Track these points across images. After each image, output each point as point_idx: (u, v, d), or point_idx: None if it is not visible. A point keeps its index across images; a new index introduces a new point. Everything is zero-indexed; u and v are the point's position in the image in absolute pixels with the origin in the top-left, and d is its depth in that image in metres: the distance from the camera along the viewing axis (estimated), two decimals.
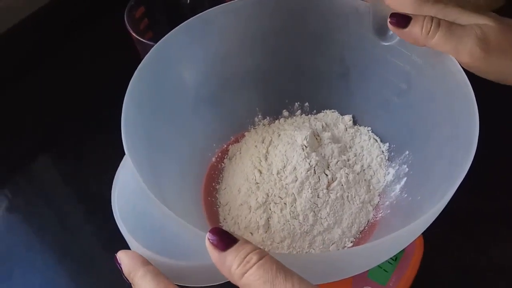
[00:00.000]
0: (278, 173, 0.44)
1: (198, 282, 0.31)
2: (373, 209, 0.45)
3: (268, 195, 0.43)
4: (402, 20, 0.37)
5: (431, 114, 0.42)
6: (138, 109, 0.38)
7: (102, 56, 0.63)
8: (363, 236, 0.43)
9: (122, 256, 0.30)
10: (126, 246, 0.33)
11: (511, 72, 0.37)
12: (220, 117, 0.49)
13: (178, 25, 0.42)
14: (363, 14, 0.43)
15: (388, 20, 0.38)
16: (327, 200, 0.43)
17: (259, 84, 0.49)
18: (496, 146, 0.47)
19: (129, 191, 0.34)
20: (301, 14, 0.45)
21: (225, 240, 0.27)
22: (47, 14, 0.62)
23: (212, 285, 0.32)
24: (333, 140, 0.47)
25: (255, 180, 0.45)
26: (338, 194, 0.43)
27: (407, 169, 0.45)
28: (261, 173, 0.45)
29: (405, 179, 0.44)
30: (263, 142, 0.48)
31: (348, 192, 0.44)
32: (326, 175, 0.44)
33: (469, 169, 0.32)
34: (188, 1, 0.56)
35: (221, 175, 0.48)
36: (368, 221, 0.44)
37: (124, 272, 0.30)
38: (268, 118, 0.51)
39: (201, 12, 0.43)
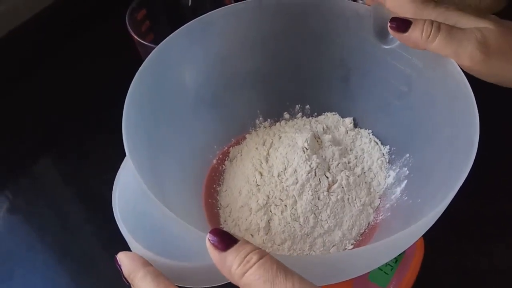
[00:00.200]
0: (279, 175, 0.44)
1: (198, 283, 0.31)
2: (374, 212, 0.45)
3: (268, 197, 0.43)
4: (402, 25, 0.37)
5: (432, 116, 0.42)
6: (139, 111, 0.38)
7: (103, 57, 0.63)
8: (363, 238, 0.43)
9: (122, 258, 0.30)
10: (126, 247, 0.33)
11: None
12: (221, 119, 0.49)
13: (179, 27, 0.42)
14: (364, 17, 0.43)
15: (388, 24, 0.38)
16: (328, 203, 0.43)
17: (260, 86, 0.49)
18: (496, 149, 0.47)
19: (130, 192, 0.34)
20: (301, 17, 0.45)
21: (226, 240, 0.27)
22: (49, 16, 0.63)
23: (212, 286, 0.32)
24: (334, 142, 0.47)
25: (256, 182, 0.45)
26: (338, 197, 0.43)
27: (407, 171, 0.45)
28: (262, 175, 0.45)
29: (405, 181, 0.44)
30: (264, 144, 0.48)
31: (349, 195, 0.44)
32: (327, 177, 0.44)
33: (469, 172, 0.32)
34: (190, 3, 0.56)
35: (222, 177, 0.48)
36: (369, 224, 0.44)
37: (124, 273, 0.29)
38: (269, 120, 0.51)
39: (202, 14, 0.43)
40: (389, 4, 0.40)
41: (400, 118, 0.46)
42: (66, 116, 0.59)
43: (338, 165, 0.45)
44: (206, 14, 0.43)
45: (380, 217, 0.44)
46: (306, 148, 0.44)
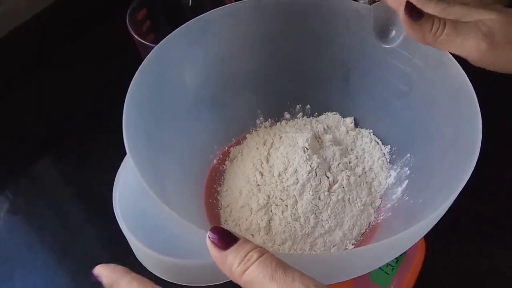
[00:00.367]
0: (279, 175, 0.44)
1: (198, 282, 0.31)
2: (375, 212, 0.44)
3: (269, 197, 0.43)
4: (415, 13, 0.36)
5: (433, 116, 0.42)
6: (139, 110, 0.38)
7: (104, 57, 0.63)
8: (364, 238, 0.43)
9: (100, 270, 0.29)
10: (126, 247, 0.33)
11: None
12: (221, 119, 0.49)
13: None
14: (364, 16, 0.43)
15: (402, 8, 0.36)
16: (328, 203, 0.43)
17: (260, 86, 0.49)
18: (498, 149, 0.47)
19: (130, 191, 0.34)
20: (301, 16, 0.45)
21: (226, 239, 0.27)
22: (49, 16, 0.63)
23: (213, 284, 0.32)
24: (335, 142, 0.47)
25: (257, 182, 0.45)
26: (339, 197, 0.43)
27: (408, 171, 0.45)
28: (262, 175, 0.45)
29: (406, 181, 0.44)
30: (264, 144, 0.48)
31: (350, 195, 0.44)
32: (328, 177, 0.44)
33: (471, 172, 0.32)
34: (190, 3, 0.56)
35: (222, 177, 0.48)
36: (370, 224, 0.44)
37: (105, 284, 0.28)
38: (269, 120, 0.51)
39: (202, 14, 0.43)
40: (390, 1, 0.40)
41: (401, 117, 0.46)
42: (66, 116, 0.59)
43: (338, 165, 0.45)
44: (206, 13, 0.43)
45: (381, 217, 0.44)
46: (306, 148, 0.44)
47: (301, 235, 0.42)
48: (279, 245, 0.42)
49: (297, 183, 0.43)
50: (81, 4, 0.65)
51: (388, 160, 0.47)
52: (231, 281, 0.28)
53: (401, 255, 0.43)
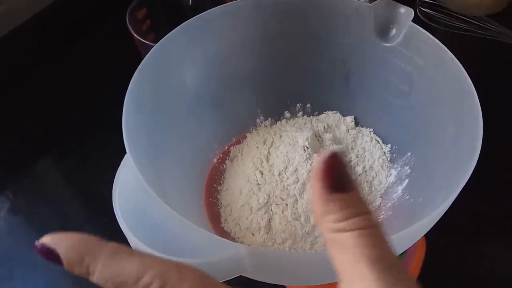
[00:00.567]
0: (279, 174, 0.44)
1: None
2: (375, 211, 0.44)
3: (269, 196, 0.43)
4: None
5: (433, 115, 0.42)
6: (139, 110, 0.38)
7: (104, 57, 0.63)
8: None
9: (55, 240, 0.20)
10: (128, 246, 0.33)
11: None
12: (221, 118, 0.48)
13: None
14: (364, 14, 0.43)
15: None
16: None
17: (260, 85, 0.49)
18: (499, 149, 0.47)
19: (130, 190, 0.34)
20: (301, 15, 0.45)
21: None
22: (49, 16, 0.63)
23: None
24: (335, 141, 0.47)
25: (257, 181, 0.45)
26: None
27: (409, 170, 0.44)
28: (262, 174, 0.45)
29: (407, 180, 0.44)
30: (264, 143, 0.48)
31: None
32: None
33: (472, 172, 0.32)
34: (190, 2, 0.56)
35: (222, 176, 0.48)
36: None
37: (67, 260, 0.20)
38: (269, 119, 0.51)
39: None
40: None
41: (401, 116, 0.46)
42: (66, 115, 0.59)
43: None
44: (205, 12, 0.43)
45: (382, 216, 0.44)
46: (306, 147, 0.44)
47: (301, 234, 0.42)
48: (280, 244, 0.42)
49: (298, 182, 0.43)
50: (81, 4, 0.65)
51: (388, 159, 0.47)
52: (231, 280, 0.28)
53: (401, 254, 0.42)
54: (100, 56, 0.64)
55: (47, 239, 0.20)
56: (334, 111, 0.51)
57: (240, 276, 0.31)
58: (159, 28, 0.54)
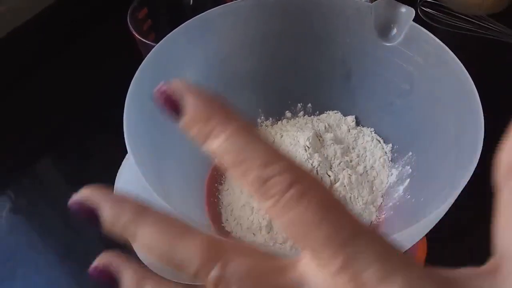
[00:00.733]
0: None
1: (200, 280, 0.31)
2: (376, 210, 0.44)
3: None
4: None
5: (435, 114, 0.42)
6: (140, 110, 0.37)
7: (105, 57, 0.63)
8: None
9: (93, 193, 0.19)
10: (129, 247, 0.33)
11: None
12: None
13: None
14: (365, 14, 0.43)
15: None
16: None
17: (261, 85, 0.49)
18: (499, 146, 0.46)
19: (131, 190, 0.34)
20: (302, 15, 0.45)
21: None
22: (49, 16, 0.63)
23: None
24: (336, 141, 0.47)
25: None
26: (341, 195, 0.43)
27: (410, 170, 0.44)
28: None
29: (408, 180, 0.44)
30: None
31: (351, 193, 0.44)
32: (329, 176, 0.44)
33: (473, 171, 0.32)
34: (191, 2, 0.56)
35: (223, 176, 0.48)
36: (371, 222, 0.44)
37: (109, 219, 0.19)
38: (270, 119, 0.51)
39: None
40: None
41: (403, 116, 0.46)
42: (67, 116, 0.59)
43: (340, 163, 0.45)
44: (205, 12, 0.43)
45: (383, 216, 0.44)
46: (308, 147, 0.44)
47: None
48: (281, 243, 0.42)
49: None
50: (81, 4, 0.65)
51: (389, 159, 0.47)
52: None
53: None
54: (100, 56, 0.63)
55: (82, 195, 0.20)
56: (335, 111, 0.51)
57: None
58: (160, 28, 0.54)
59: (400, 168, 0.46)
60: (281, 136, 0.47)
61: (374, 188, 0.45)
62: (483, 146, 0.33)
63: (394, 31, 0.43)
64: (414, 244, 0.36)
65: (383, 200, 0.45)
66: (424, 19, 0.61)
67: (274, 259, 0.18)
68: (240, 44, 0.46)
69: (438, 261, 0.45)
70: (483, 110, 0.35)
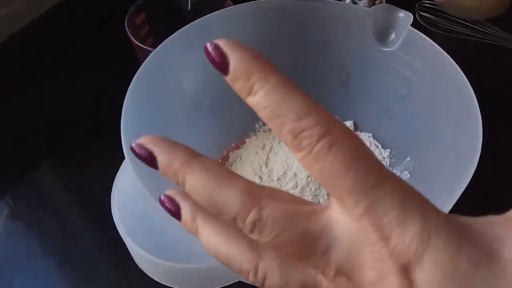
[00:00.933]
0: (278, 179, 0.44)
1: (197, 286, 0.31)
2: None
3: None
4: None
5: (433, 119, 0.42)
6: (137, 115, 0.37)
7: (103, 62, 0.63)
8: None
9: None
10: (126, 252, 0.33)
11: None
12: (219, 123, 0.48)
13: None
14: (363, 19, 0.43)
15: None
16: None
17: None
18: (499, 152, 0.46)
19: (129, 195, 0.34)
20: (300, 20, 0.45)
21: None
22: (48, 21, 0.63)
23: None
24: None
25: None
26: None
27: (408, 175, 0.44)
28: (261, 179, 0.45)
29: None
30: (263, 149, 0.48)
31: None
32: None
33: (471, 176, 0.32)
34: (189, 8, 0.56)
35: None
36: None
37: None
38: None
39: None
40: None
41: (401, 121, 0.46)
42: (66, 122, 0.59)
43: None
44: (203, 17, 0.43)
45: None
46: None
47: None
48: None
49: (297, 187, 0.43)
50: (79, 10, 0.65)
51: (388, 164, 0.47)
52: (230, 285, 0.28)
53: None
54: (99, 62, 0.64)
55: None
56: None
57: (239, 281, 0.31)
58: (158, 34, 0.54)
59: (398, 173, 0.45)
60: (279, 142, 0.47)
61: None
62: (481, 151, 0.33)
63: (392, 36, 0.43)
64: None
65: None
66: (422, 24, 0.61)
67: (306, 204, 0.20)
68: None
69: None
70: (481, 114, 0.35)
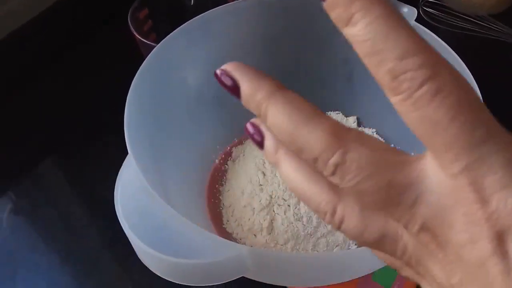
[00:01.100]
0: None
1: (200, 282, 0.31)
2: None
3: (271, 197, 0.43)
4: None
5: None
6: (140, 111, 0.37)
7: (106, 57, 0.63)
8: None
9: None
10: (129, 247, 0.33)
11: None
12: (222, 118, 0.48)
13: None
14: None
15: None
16: None
17: None
18: None
19: (132, 191, 0.34)
20: (303, 15, 0.45)
21: None
22: (50, 17, 0.62)
23: (214, 285, 0.31)
24: None
25: (259, 182, 0.45)
26: None
27: None
28: (264, 175, 0.45)
29: None
30: None
31: None
32: None
33: None
34: (192, 2, 0.56)
35: (224, 177, 0.48)
36: None
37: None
38: None
39: None
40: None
41: None
42: (68, 117, 0.59)
43: None
44: (206, 12, 0.42)
45: None
46: None
47: (303, 235, 0.42)
48: (282, 245, 0.42)
49: None
50: (81, 5, 0.65)
51: None
52: (233, 280, 0.28)
53: None
54: (101, 57, 0.63)
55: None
56: (337, 112, 0.50)
57: (242, 277, 0.31)
58: (161, 29, 0.54)
59: None
60: None
61: None
62: None
63: None
64: None
65: None
66: (426, 19, 0.61)
67: (395, 153, 0.19)
68: (241, 45, 0.46)
69: None
70: None
